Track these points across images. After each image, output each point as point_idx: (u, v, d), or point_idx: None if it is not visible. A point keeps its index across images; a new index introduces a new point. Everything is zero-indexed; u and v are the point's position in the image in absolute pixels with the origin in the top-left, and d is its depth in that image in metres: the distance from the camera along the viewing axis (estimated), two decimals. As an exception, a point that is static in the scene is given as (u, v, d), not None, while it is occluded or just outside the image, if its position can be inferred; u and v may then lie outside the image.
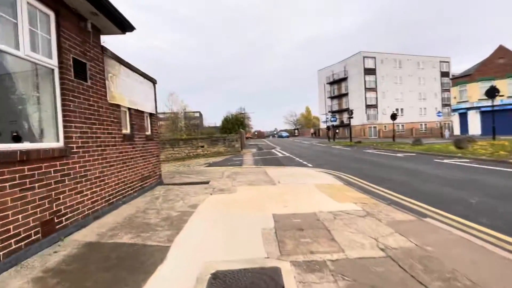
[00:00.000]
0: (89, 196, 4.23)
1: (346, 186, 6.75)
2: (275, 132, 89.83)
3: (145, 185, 6.56)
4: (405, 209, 4.63)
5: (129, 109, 5.99)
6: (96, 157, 4.49)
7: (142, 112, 6.68)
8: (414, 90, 48.30)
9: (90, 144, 4.35)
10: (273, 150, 22.56)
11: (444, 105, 50.38)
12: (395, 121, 24.85)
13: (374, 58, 46.08)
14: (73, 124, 3.95)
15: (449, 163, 10.26)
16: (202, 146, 19.59)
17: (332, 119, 37.61)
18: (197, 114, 59.87)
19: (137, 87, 6.34)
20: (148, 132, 7.16)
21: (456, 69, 50.09)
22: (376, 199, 5.34)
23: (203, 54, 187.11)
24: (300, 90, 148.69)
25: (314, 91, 73.48)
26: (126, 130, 5.90)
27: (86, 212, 4.12)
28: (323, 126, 54.60)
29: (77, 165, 3.97)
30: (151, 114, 7.36)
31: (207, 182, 7.62)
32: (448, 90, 50.95)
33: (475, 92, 29.58)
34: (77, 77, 4.12)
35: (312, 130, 71.55)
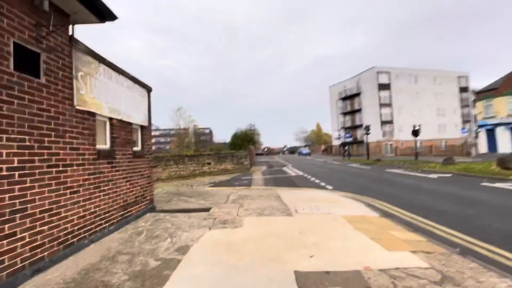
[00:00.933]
0: (27, 240, 2.92)
1: (385, 220, 5.18)
2: (285, 149, 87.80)
3: (129, 214, 5.22)
4: (494, 266, 3.06)
5: (110, 119, 4.80)
6: (46, 182, 3.22)
7: (130, 123, 5.48)
8: (431, 106, 46.11)
9: (37, 164, 3.10)
10: (284, 168, 21.00)
11: (464, 121, 47.77)
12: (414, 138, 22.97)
13: (388, 73, 44.65)
14: (4, 136, 2.73)
15: (506, 189, 8.38)
16: (209, 163, 18.30)
17: (347, 135, 35.89)
18: (207, 131, 59.40)
19: (123, 93, 5.18)
20: (137, 148, 5.92)
21: (474, 85, 47.86)
22: (439, 244, 3.77)
23: (214, 73, 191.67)
24: (310, 107, 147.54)
25: (325, 108, 72.27)
26: (104, 145, 4.67)
27: (18, 265, 2.79)
28: (335, 142, 52.67)
29: (6, 196, 2.70)
30: (142, 127, 6.16)
31: (207, 210, 6.21)
32: (468, 106, 48.49)
33: (503, 106, 27.41)
34: (21, 70, 2.96)
35: (323, 147, 69.29)
